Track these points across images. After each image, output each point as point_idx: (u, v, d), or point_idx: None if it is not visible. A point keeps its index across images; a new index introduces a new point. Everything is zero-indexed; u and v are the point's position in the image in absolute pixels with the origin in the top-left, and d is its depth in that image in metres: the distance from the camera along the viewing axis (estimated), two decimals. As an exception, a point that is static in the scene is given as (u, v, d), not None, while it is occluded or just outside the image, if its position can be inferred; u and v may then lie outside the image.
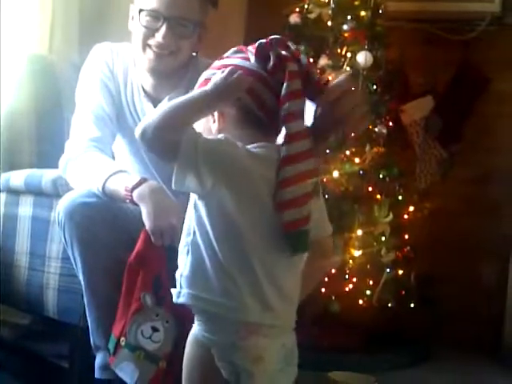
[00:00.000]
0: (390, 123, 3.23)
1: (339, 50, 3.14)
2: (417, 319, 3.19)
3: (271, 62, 1.41)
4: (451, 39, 3.61)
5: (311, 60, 3.07)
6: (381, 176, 3.15)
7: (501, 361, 3.23)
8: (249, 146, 1.40)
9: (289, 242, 1.37)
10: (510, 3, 3.60)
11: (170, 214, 1.81)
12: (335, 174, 3.01)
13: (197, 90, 1.44)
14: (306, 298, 1.53)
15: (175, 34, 2.04)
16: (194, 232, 1.40)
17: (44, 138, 2.53)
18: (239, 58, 1.46)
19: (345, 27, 3.15)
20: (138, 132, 1.37)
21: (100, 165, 2.00)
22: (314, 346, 2.71)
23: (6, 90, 2.54)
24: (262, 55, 1.43)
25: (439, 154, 3.65)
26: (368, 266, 3.04)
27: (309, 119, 1.45)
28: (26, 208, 2.33)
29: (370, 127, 3.10)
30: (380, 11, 3.24)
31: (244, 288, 1.36)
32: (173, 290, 1.44)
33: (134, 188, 1.88)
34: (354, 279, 3.01)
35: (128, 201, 1.89)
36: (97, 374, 1.97)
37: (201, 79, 1.49)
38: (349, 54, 3.10)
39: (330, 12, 3.19)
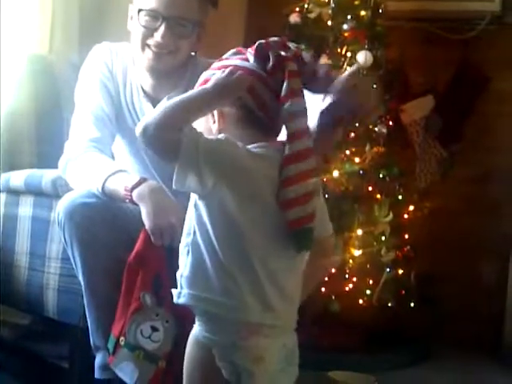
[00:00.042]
0: (390, 123, 3.23)
1: (339, 50, 3.14)
2: (417, 319, 3.19)
3: (271, 62, 1.42)
4: (451, 38, 3.61)
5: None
6: (381, 175, 3.15)
7: (501, 360, 3.23)
8: (249, 146, 1.41)
9: (294, 240, 1.38)
10: (509, 2, 3.59)
11: (169, 213, 1.81)
12: (335, 173, 3.02)
13: (197, 89, 1.44)
14: (306, 298, 1.53)
15: (174, 34, 2.04)
16: (195, 232, 1.40)
17: (44, 138, 2.52)
18: (238, 59, 1.47)
19: (345, 27, 3.15)
20: (138, 131, 1.37)
21: (99, 165, 2.00)
22: (314, 345, 2.71)
23: (6, 91, 2.53)
24: (261, 55, 1.43)
25: (439, 154, 3.65)
26: (368, 266, 3.04)
27: (318, 111, 1.48)
28: (25, 208, 2.33)
29: (370, 127, 3.11)
30: (380, 11, 3.24)
31: (245, 288, 1.37)
32: (173, 291, 1.44)
33: (133, 188, 1.88)
34: (354, 279, 3.01)
35: (128, 200, 1.89)
36: (97, 374, 1.97)
37: (200, 80, 1.49)
38: (349, 54, 3.09)
39: (330, 11, 3.19)
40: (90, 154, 2.05)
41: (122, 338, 1.79)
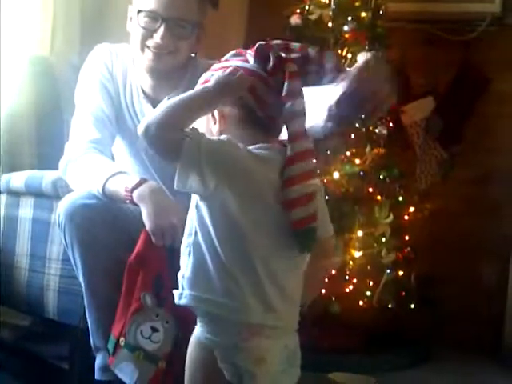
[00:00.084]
0: (391, 124, 3.22)
1: (340, 51, 3.13)
2: (417, 320, 3.19)
3: (271, 63, 1.42)
4: (452, 40, 3.61)
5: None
6: (381, 177, 3.14)
7: (501, 361, 3.23)
8: (251, 147, 1.41)
9: (297, 240, 1.39)
10: (510, 4, 3.59)
11: (170, 213, 1.81)
12: (336, 175, 3.02)
13: (198, 87, 1.44)
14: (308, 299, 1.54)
15: (173, 35, 2.04)
16: (196, 232, 1.40)
17: (44, 139, 2.52)
18: (239, 60, 1.47)
19: (345, 28, 3.15)
20: (140, 131, 1.37)
21: (100, 166, 2.00)
22: (315, 346, 2.71)
23: (6, 92, 2.53)
24: (261, 56, 1.43)
25: (440, 155, 3.65)
26: (368, 267, 3.04)
27: (333, 102, 1.50)
28: (26, 210, 2.33)
29: (371, 128, 3.11)
30: (381, 12, 3.24)
31: (246, 289, 1.37)
32: (175, 292, 1.45)
33: (133, 188, 1.88)
34: (355, 280, 3.01)
35: (128, 201, 1.89)
36: (97, 376, 1.97)
37: (200, 81, 1.49)
38: (349, 55, 3.09)
39: (330, 13, 3.19)
40: (90, 155, 2.05)
41: (122, 339, 1.79)
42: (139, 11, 2.05)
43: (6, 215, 2.41)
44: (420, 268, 3.23)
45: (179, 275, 1.44)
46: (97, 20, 2.92)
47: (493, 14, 3.58)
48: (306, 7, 3.24)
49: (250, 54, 1.46)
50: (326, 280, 2.38)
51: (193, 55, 2.17)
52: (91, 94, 2.15)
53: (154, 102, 2.11)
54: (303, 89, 1.44)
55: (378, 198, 3.11)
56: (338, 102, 1.50)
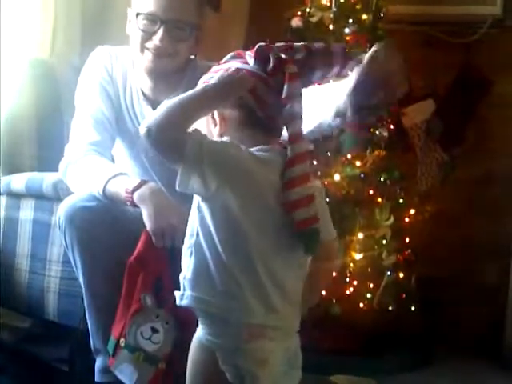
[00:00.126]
0: (391, 126, 3.22)
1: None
2: (418, 322, 3.18)
3: (271, 64, 1.42)
4: (452, 42, 3.60)
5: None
6: (382, 179, 3.14)
7: (502, 363, 3.22)
8: (252, 149, 1.42)
9: (301, 241, 1.39)
10: (511, 6, 3.58)
11: (170, 214, 1.82)
12: (336, 177, 3.01)
13: (200, 86, 1.44)
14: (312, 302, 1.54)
15: (172, 37, 2.04)
16: (198, 234, 1.41)
17: (45, 141, 2.53)
18: (238, 62, 1.47)
19: (346, 31, 3.14)
20: (142, 131, 1.37)
21: (100, 168, 2.01)
22: (315, 348, 2.70)
23: (7, 94, 2.54)
24: (261, 57, 1.44)
25: (440, 157, 3.64)
26: (369, 269, 3.03)
27: (346, 92, 1.53)
28: (26, 211, 2.34)
29: (371, 130, 3.10)
30: (381, 14, 3.24)
31: (247, 290, 1.37)
32: (176, 293, 1.45)
33: (134, 190, 1.89)
34: (355, 282, 3.00)
35: (129, 203, 1.90)
36: (97, 378, 1.97)
37: (200, 83, 1.49)
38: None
39: (331, 16, 3.18)
40: (90, 157, 2.05)
41: (122, 340, 1.79)
42: (138, 14, 2.06)
43: (6, 217, 2.41)
44: (420, 270, 3.22)
45: (181, 276, 1.44)
46: (97, 22, 2.91)
47: (494, 17, 3.58)
48: (307, 10, 3.23)
49: (249, 56, 1.46)
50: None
51: (192, 57, 2.18)
52: (91, 97, 2.15)
53: (154, 104, 2.11)
54: (310, 87, 1.44)
55: (379, 200, 3.11)
56: (353, 89, 1.52)
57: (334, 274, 2.75)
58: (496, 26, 3.58)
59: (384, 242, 3.07)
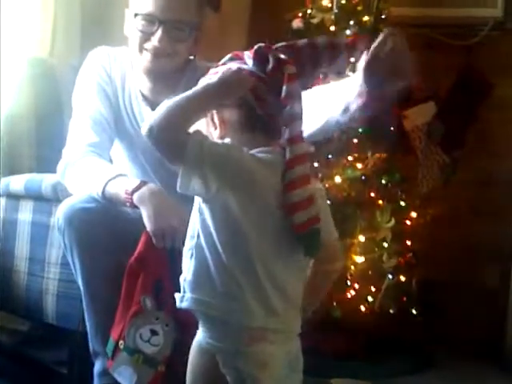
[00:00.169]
0: (392, 129, 3.22)
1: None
2: (418, 325, 3.18)
3: (270, 65, 1.41)
4: (453, 44, 3.61)
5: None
6: (383, 181, 3.14)
7: (503, 367, 3.22)
8: (253, 151, 1.41)
9: (302, 244, 1.39)
10: (512, 8, 3.60)
11: (170, 215, 1.81)
12: (337, 179, 3.01)
13: (201, 84, 1.43)
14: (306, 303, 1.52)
15: (171, 38, 2.04)
16: (199, 235, 1.40)
17: (44, 142, 2.52)
18: (236, 63, 1.46)
19: (347, 32, 3.14)
20: (144, 131, 1.37)
21: (99, 169, 2.00)
22: (315, 351, 2.69)
23: (6, 94, 2.53)
24: (260, 58, 1.43)
25: (441, 160, 3.64)
26: (370, 272, 3.03)
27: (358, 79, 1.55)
28: (25, 213, 2.33)
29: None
30: (383, 16, 3.24)
31: (248, 292, 1.37)
32: (176, 295, 1.45)
33: (134, 191, 1.88)
34: (356, 285, 3.01)
35: (128, 204, 1.89)
36: (95, 381, 1.96)
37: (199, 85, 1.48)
38: (352, 59, 3.08)
39: (332, 17, 3.19)
40: (88, 158, 2.04)
41: (121, 342, 1.78)
42: (136, 14, 2.05)
43: (5, 218, 2.40)
44: (421, 273, 3.22)
45: (181, 278, 1.44)
46: (97, 22, 2.92)
47: (495, 19, 3.59)
48: (308, 11, 3.24)
49: (248, 56, 1.45)
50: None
51: (191, 57, 2.17)
52: (89, 97, 2.14)
53: (153, 105, 2.09)
54: (314, 86, 1.44)
55: (380, 202, 3.11)
56: (365, 72, 1.54)
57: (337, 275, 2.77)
58: (497, 29, 3.60)
59: (385, 244, 3.08)
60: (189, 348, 1.46)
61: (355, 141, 3.07)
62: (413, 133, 3.61)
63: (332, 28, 3.18)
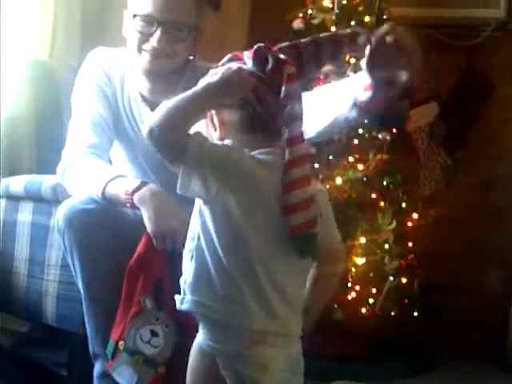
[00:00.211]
0: (394, 130, 3.21)
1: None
2: (420, 328, 3.17)
3: (270, 65, 1.41)
4: (455, 45, 3.60)
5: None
6: (384, 183, 3.14)
7: (505, 369, 3.21)
8: (253, 153, 1.41)
9: (296, 246, 1.38)
10: (515, 9, 3.59)
11: (171, 216, 1.81)
12: (338, 180, 3.01)
13: (202, 84, 1.42)
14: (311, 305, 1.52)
15: (170, 38, 2.03)
16: (199, 237, 1.40)
17: (44, 143, 2.52)
18: (236, 64, 1.46)
19: (348, 32, 3.14)
20: (145, 132, 1.37)
21: (99, 170, 2.00)
22: (317, 354, 2.69)
23: (6, 96, 2.53)
24: (260, 58, 1.43)
25: (443, 161, 3.63)
26: (371, 274, 3.03)
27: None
28: (25, 214, 2.33)
29: (374, 134, 3.09)
30: (384, 17, 3.23)
31: (248, 294, 1.37)
32: (176, 297, 1.44)
33: (134, 191, 1.88)
34: (357, 287, 3.00)
35: (129, 205, 1.89)
36: (95, 383, 1.96)
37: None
38: (353, 60, 3.08)
39: (333, 17, 3.18)
40: (88, 159, 2.04)
41: (121, 343, 1.78)
42: (134, 15, 2.05)
43: (4, 220, 2.40)
44: (423, 275, 3.22)
45: (181, 280, 1.44)
46: (97, 23, 2.92)
47: (497, 20, 3.58)
48: (309, 11, 3.24)
49: (247, 56, 1.45)
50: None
51: (191, 58, 2.17)
52: (88, 98, 2.14)
53: (152, 105, 2.09)
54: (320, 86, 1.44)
55: (381, 204, 3.11)
56: (367, 61, 1.52)
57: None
58: (499, 29, 3.59)
59: (386, 246, 3.07)
60: (189, 350, 1.45)
61: (356, 142, 3.06)
62: (415, 134, 3.60)
63: (333, 28, 3.17)
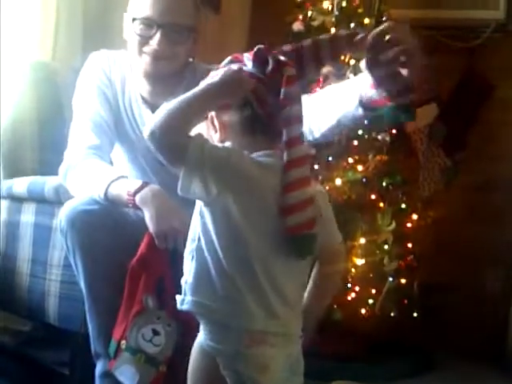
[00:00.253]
0: (394, 131, 3.21)
1: (342, 57, 3.13)
2: (419, 328, 3.17)
3: (270, 66, 1.42)
4: (455, 46, 3.60)
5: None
6: (384, 184, 3.13)
7: (504, 369, 3.21)
8: (253, 155, 1.41)
9: (293, 247, 1.38)
10: (514, 11, 3.59)
11: (172, 216, 1.82)
12: (338, 181, 3.01)
13: (203, 84, 1.43)
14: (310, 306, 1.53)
15: (170, 41, 2.04)
16: (199, 238, 1.41)
17: (46, 145, 2.52)
18: (236, 66, 1.46)
19: (348, 35, 3.14)
20: (146, 134, 1.37)
21: (101, 171, 2.00)
22: (316, 354, 2.69)
23: (8, 98, 2.53)
24: (260, 60, 1.43)
25: (443, 162, 3.63)
26: (371, 275, 3.02)
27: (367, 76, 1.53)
28: (28, 215, 2.34)
29: (373, 135, 3.10)
30: (384, 18, 3.23)
31: (248, 295, 1.37)
32: (177, 297, 1.45)
33: (136, 192, 1.88)
34: (357, 288, 3.00)
35: (130, 205, 1.89)
36: (97, 382, 1.96)
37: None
38: (352, 61, 3.09)
39: (333, 19, 3.18)
40: (89, 161, 2.05)
41: (123, 342, 1.79)
42: (134, 19, 2.05)
43: (7, 220, 2.41)
44: (423, 276, 3.21)
45: (182, 280, 1.44)
46: (99, 25, 2.91)
47: (497, 21, 3.58)
48: (309, 13, 3.23)
49: (247, 58, 1.45)
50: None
51: (190, 60, 2.17)
52: (89, 100, 2.15)
53: (153, 107, 2.10)
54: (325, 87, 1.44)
55: (381, 205, 3.10)
56: (367, 59, 1.52)
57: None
58: (499, 31, 3.59)
59: (386, 247, 3.07)
60: (190, 349, 1.46)
61: (355, 143, 3.06)
62: (414, 135, 3.61)
63: (333, 30, 3.17)
